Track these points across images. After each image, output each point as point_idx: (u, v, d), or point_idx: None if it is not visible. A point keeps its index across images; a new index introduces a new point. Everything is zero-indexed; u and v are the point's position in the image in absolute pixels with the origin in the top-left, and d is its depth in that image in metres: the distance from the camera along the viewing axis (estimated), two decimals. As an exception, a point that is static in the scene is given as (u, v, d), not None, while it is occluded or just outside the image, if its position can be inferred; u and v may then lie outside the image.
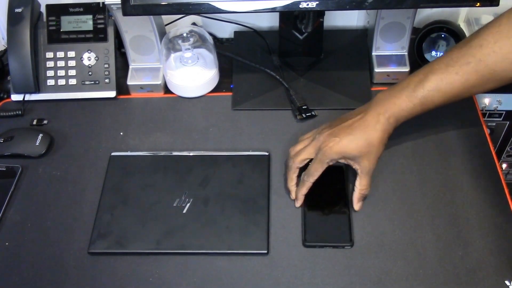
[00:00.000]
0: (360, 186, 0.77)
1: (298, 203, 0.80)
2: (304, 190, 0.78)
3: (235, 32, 1.08)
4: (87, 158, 0.89)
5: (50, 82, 0.97)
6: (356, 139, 0.74)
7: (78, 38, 0.96)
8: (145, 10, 0.82)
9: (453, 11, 1.04)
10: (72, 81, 0.97)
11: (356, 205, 0.78)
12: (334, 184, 0.82)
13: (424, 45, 0.97)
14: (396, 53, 0.97)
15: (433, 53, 0.97)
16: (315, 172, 0.76)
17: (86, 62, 0.97)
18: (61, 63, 0.97)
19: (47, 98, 0.97)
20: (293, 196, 0.80)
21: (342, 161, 0.76)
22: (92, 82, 0.96)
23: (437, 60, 0.75)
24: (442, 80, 0.73)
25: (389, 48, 0.97)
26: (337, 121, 0.78)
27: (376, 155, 0.76)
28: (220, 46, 1.08)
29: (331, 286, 0.71)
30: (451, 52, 0.74)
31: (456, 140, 0.88)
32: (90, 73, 0.96)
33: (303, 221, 0.78)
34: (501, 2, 0.80)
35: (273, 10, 0.81)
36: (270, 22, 1.08)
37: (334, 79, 0.98)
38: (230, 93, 0.97)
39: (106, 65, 0.96)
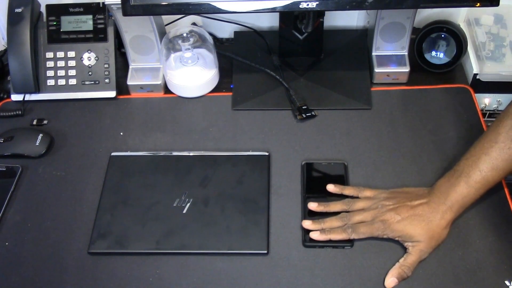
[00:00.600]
0: (404, 263, 0.72)
1: (318, 236, 0.75)
2: (337, 237, 0.74)
3: (235, 32, 1.08)
4: (87, 158, 0.89)
5: (50, 82, 0.97)
6: (419, 225, 0.72)
7: (78, 38, 0.96)
8: (145, 10, 0.82)
9: (453, 11, 1.04)
10: (72, 81, 0.97)
11: (388, 281, 0.71)
12: (335, 182, 0.82)
13: (424, 45, 0.97)
14: (396, 53, 0.97)
15: (433, 53, 0.97)
16: (362, 234, 0.74)
17: (86, 62, 0.97)
18: (61, 63, 0.97)
19: (47, 98, 0.97)
20: (323, 235, 0.75)
21: (396, 239, 0.74)
22: (92, 82, 0.96)
23: (484, 138, 0.74)
24: (497, 159, 0.72)
25: (389, 48, 0.97)
26: (401, 194, 0.77)
27: (436, 242, 0.73)
28: (220, 46, 1.08)
29: (331, 286, 0.71)
30: (497, 127, 0.73)
31: (456, 140, 0.88)
32: (90, 73, 0.96)
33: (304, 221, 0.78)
34: (501, 2, 0.80)
35: (273, 10, 0.81)
36: (270, 22, 1.08)
37: (334, 79, 0.98)
38: (230, 93, 0.97)
39: (106, 65, 0.96)
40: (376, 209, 0.76)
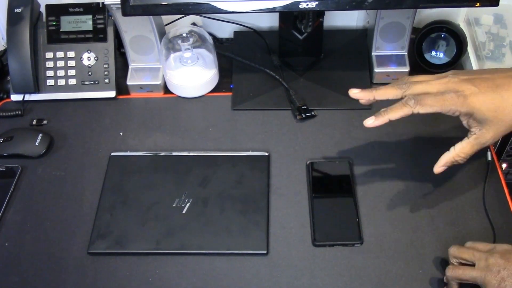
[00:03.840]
0: (460, 152, 0.65)
1: (374, 121, 0.65)
2: (397, 114, 0.64)
3: (235, 32, 1.08)
4: (87, 158, 0.88)
5: (50, 82, 0.96)
6: (499, 99, 0.60)
7: (78, 38, 0.96)
8: (144, 10, 0.82)
9: (453, 11, 1.04)
10: (72, 81, 0.96)
11: (439, 168, 0.66)
12: (341, 181, 0.82)
13: (424, 45, 0.97)
14: (396, 53, 0.97)
15: (433, 53, 0.97)
16: (429, 107, 0.62)
17: (85, 62, 0.97)
18: (60, 63, 0.97)
19: (47, 98, 0.97)
20: (380, 116, 0.64)
21: (463, 119, 0.63)
22: (92, 82, 0.96)
23: None
24: None
25: (389, 48, 0.97)
26: (477, 71, 0.64)
27: (508, 129, 0.62)
28: (220, 46, 1.08)
29: (331, 286, 0.71)
30: None
31: (456, 140, 0.87)
32: (89, 73, 0.96)
33: (312, 220, 0.78)
34: (501, 2, 0.80)
35: (273, 10, 0.81)
36: (270, 22, 1.08)
37: (334, 79, 0.98)
38: (230, 93, 0.97)
39: (106, 65, 0.96)
40: (446, 78, 0.63)
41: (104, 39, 0.96)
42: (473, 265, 0.65)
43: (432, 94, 0.63)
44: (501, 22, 1.01)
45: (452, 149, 0.66)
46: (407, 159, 0.85)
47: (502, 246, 0.64)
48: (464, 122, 0.65)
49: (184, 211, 0.79)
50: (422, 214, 0.78)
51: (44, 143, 0.89)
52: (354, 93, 0.66)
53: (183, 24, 1.05)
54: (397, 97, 0.63)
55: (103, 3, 0.95)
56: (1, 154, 0.89)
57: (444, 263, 0.72)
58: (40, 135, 0.90)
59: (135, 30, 0.93)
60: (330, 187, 0.82)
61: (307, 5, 0.80)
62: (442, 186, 0.81)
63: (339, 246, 0.75)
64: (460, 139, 0.87)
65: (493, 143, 0.65)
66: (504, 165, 1.11)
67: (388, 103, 0.67)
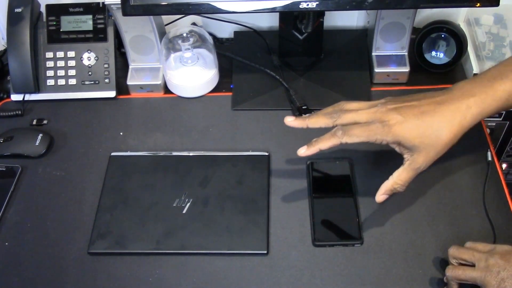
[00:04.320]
0: (397, 179, 0.66)
1: (306, 151, 0.67)
2: (326, 144, 0.66)
3: (235, 32, 1.08)
4: (87, 158, 0.88)
5: (50, 82, 0.97)
6: (424, 126, 0.62)
7: (78, 38, 0.96)
8: (145, 10, 0.82)
9: (453, 11, 1.04)
10: (72, 81, 0.96)
11: (380, 196, 0.68)
12: (341, 181, 0.82)
13: (424, 45, 0.97)
14: (396, 53, 0.97)
15: (433, 53, 0.97)
16: (355, 137, 0.64)
17: (86, 62, 0.97)
18: (61, 63, 0.97)
19: (47, 98, 0.97)
20: (311, 146, 0.67)
21: (394, 146, 0.65)
22: (92, 82, 0.96)
23: None
24: None
25: (389, 48, 0.97)
26: (407, 98, 0.65)
27: (438, 153, 0.64)
28: (220, 46, 1.08)
29: (331, 286, 0.71)
30: None
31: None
32: (90, 73, 0.96)
33: (312, 220, 0.78)
34: (501, 2, 0.80)
35: (273, 10, 0.81)
36: (270, 22, 1.08)
37: (334, 79, 0.98)
38: (230, 93, 0.97)
39: (106, 65, 0.96)
40: (374, 107, 0.65)
41: (104, 39, 0.96)
42: (473, 265, 0.65)
43: (359, 125, 0.64)
44: (501, 22, 1.01)
45: (390, 177, 0.67)
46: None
47: (502, 247, 0.64)
48: (396, 149, 0.66)
49: (184, 211, 0.79)
50: (422, 214, 0.78)
51: (44, 143, 0.89)
52: (289, 121, 0.68)
53: (183, 24, 1.05)
54: (328, 126, 0.65)
55: (103, 3, 0.95)
56: (1, 154, 0.89)
57: (444, 263, 0.72)
58: (40, 135, 0.90)
59: (135, 30, 0.93)
60: (330, 187, 0.82)
61: (307, 5, 0.80)
62: (442, 186, 0.81)
63: (339, 246, 0.75)
64: (460, 140, 0.87)
65: (427, 167, 0.66)
66: (504, 165, 1.11)
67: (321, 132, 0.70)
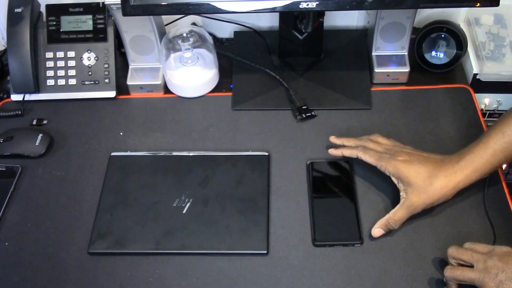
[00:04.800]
0: (392, 215, 0.73)
1: (332, 151, 0.81)
2: (347, 153, 0.79)
3: (235, 32, 1.08)
4: (87, 158, 0.88)
5: (50, 82, 0.96)
6: (423, 170, 0.72)
7: (78, 38, 0.96)
8: (145, 10, 0.82)
9: (453, 11, 1.04)
10: (72, 81, 0.96)
11: (375, 230, 0.74)
12: (341, 181, 0.82)
13: (424, 45, 0.96)
14: (396, 53, 0.97)
15: (433, 53, 0.97)
16: (368, 157, 0.76)
17: (86, 62, 0.97)
18: (61, 63, 0.97)
19: (47, 98, 0.97)
20: (336, 150, 0.81)
21: (394, 179, 0.75)
22: (92, 82, 0.96)
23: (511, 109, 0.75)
24: None
25: (389, 48, 0.97)
26: (419, 151, 0.77)
27: (430, 198, 0.72)
28: (220, 46, 1.08)
29: (331, 286, 0.71)
30: None
31: (456, 140, 0.88)
32: (90, 73, 0.96)
33: (312, 220, 0.78)
34: (501, 2, 0.80)
35: (273, 10, 0.81)
36: (270, 22, 1.08)
37: (334, 79, 0.98)
38: (230, 93, 0.97)
39: (106, 65, 0.96)
40: (392, 146, 0.77)
41: (104, 39, 0.96)
42: (471, 266, 0.65)
43: (375, 151, 0.77)
44: (501, 22, 1.01)
45: (387, 214, 0.74)
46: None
47: (501, 249, 0.65)
48: (395, 182, 0.75)
49: (184, 211, 0.79)
50: (422, 214, 0.78)
51: (44, 143, 0.89)
52: (332, 138, 0.84)
53: (183, 24, 1.05)
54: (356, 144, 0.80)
55: (103, 3, 0.95)
56: (1, 154, 0.89)
57: (443, 263, 0.72)
58: (40, 135, 0.90)
59: (135, 30, 0.93)
60: (330, 187, 0.82)
61: (307, 5, 0.80)
62: (442, 186, 0.81)
63: (339, 246, 0.75)
64: (459, 138, 0.87)
65: (421, 210, 0.73)
66: (504, 165, 1.11)
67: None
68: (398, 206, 0.74)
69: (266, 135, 0.90)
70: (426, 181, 0.72)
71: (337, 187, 0.82)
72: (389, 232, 0.75)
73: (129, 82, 0.97)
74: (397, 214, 0.73)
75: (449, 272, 0.67)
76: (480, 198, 0.79)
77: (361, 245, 0.75)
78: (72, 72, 0.97)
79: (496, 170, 0.74)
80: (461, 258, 0.66)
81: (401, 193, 0.74)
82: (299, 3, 0.80)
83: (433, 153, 0.76)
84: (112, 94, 0.96)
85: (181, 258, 0.75)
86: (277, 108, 0.94)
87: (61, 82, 0.97)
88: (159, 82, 0.97)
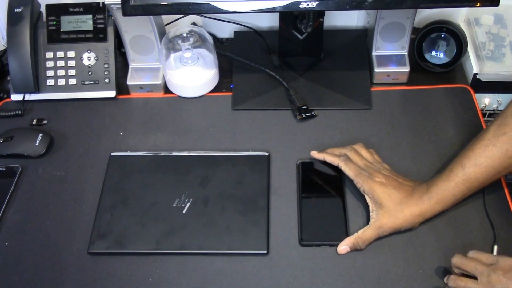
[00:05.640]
0: (361, 235, 0.74)
1: (315, 154, 0.83)
2: (329, 159, 0.82)
3: (235, 32, 1.08)
4: (87, 158, 0.88)
5: (50, 82, 0.96)
6: (395, 195, 0.74)
7: (78, 38, 0.96)
8: (145, 10, 0.82)
9: (453, 11, 1.04)
10: (72, 81, 0.96)
11: (341, 248, 0.74)
12: (330, 182, 0.82)
13: (424, 45, 0.96)
14: (396, 53, 0.97)
15: (433, 53, 0.97)
16: (348, 169, 0.78)
17: (86, 62, 0.97)
18: (61, 63, 0.97)
19: (47, 98, 0.97)
20: (320, 153, 0.83)
21: (367, 197, 0.76)
22: (92, 82, 0.96)
23: (476, 136, 0.76)
24: (480, 155, 0.73)
25: (389, 48, 0.97)
26: (399, 175, 0.79)
27: (398, 224, 0.74)
28: (220, 46, 1.08)
29: (331, 286, 0.71)
30: (489, 125, 0.75)
31: (456, 140, 0.88)
32: (90, 73, 0.96)
33: (299, 220, 0.78)
34: (501, 2, 0.80)
35: (273, 10, 0.81)
36: (270, 22, 1.08)
37: (334, 79, 0.98)
38: (230, 93, 0.97)
39: (106, 65, 0.96)
40: (371, 163, 0.80)
41: (104, 39, 0.96)
42: (475, 277, 0.65)
43: (356, 165, 0.79)
44: (501, 22, 1.01)
45: (356, 233, 0.75)
46: (407, 159, 0.85)
47: (505, 261, 0.65)
48: (368, 202, 0.76)
49: (184, 211, 0.79)
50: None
51: (44, 143, 0.89)
52: (312, 153, 0.85)
53: (183, 24, 1.05)
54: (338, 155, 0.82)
55: (103, 3, 0.95)
56: (1, 154, 0.89)
57: (443, 263, 0.72)
58: (40, 135, 0.90)
59: (135, 30, 0.93)
60: (319, 187, 0.82)
61: (307, 5, 0.80)
62: (442, 186, 0.81)
63: (326, 246, 0.75)
64: (459, 138, 0.87)
65: (387, 233, 0.74)
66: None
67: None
68: (367, 226, 0.75)
69: (266, 135, 0.90)
70: (397, 206, 0.74)
71: (326, 187, 0.82)
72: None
73: (129, 82, 0.97)
74: (366, 234, 0.74)
75: (452, 283, 0.67)
76: (480, 198, 0.79)
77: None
78: (72, 72, 0.97)
79: (462, 200, 0.76)
80: (465, 269, 0.67)
81: (371, 214, 0.75)
82: (299, 3, 0.80)
83: (407, 179, 0.79)
84: (112, 94, 0.96)
85: (181, 258, 0.75)
86: (277, 108, 0.94)
87: (61, 82, 0.97)
88: (159, 82, 0.97)
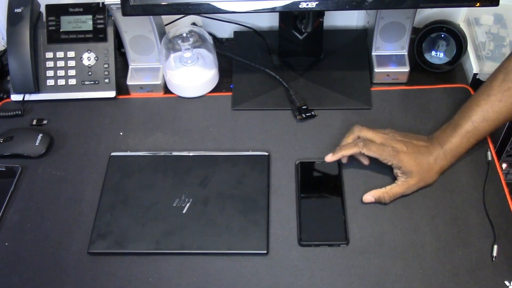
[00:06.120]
0: (388, 190, 0.78)
1: (331, 157, 0.81)
2: (349, 151, 0.80)
3: (235, 32, 1.08)
4: (87, 158, 0.88)
5: (50, 82, 0.97)
6: (420, 163, 0.78)
7: (78, 38, 0.96)
8: (144, 10, 0.82)
9: (453, 11, 1.04)
10: (72, 81, 0.97)
11: (367, 197, 0.79)
12: (329, 182, 0.82)
13: (424, 45, 0.96)
14: (396, 53, 0.97)
15: (433, 53, 0.97)
16: (372, 152, 0.79)
17: (85, 62, 0.97)
18: (60, 63, 0.97)
19: (47, 98, 0.97)
20: (336, 153, 0.81)
21: (395, 169, 0.79)
22: (92, 82, 0.96)
23: (478, 92, 0.81)
24: (488, 111, 0.78)
25: (389, 48, 0.97)
26: (407, 135, 0.82)
27: (424, 183, 0.79)
28: (220, 46, 1.08)
29: (331, 286, 0.71)
30: (490, 81, 0.79)
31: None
32: (89, 73, 0.96)
33: (299, 220, 0.78)
34: (501, 2, 0.80)
35: (273, 10, 0.81)
36: (270, 22, 1.08)
37: (334, 79, 0.98)
38: (230, 93, 0.97)
39: (106, 65, 0.96)
40: (387, 135, 0.81)
41: (104, 39, 0.96)
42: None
43: (376, 144, 0.80)
44: (501, 22, 1.01)
45: (383, 188, 0.79)
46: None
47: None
48: (394, 172, 0.80)
49: (184, 211, 0.79)
50: (422, 214, 0.78)
51: (44, 143, 0.89)
52: (329, 159, 0.82)
53: (183, 24, 1.05)
54: (356, 146, 0.81)
55: (103, 3, 0.95)
56: (1, 154, 0.89)
57: (443, 263, 0.72)
58: (40, 135, 0.90)
59: (135, 30, 0.93)
60: (318, 187, 0.82)
61: (307, 5, 0.80)
62: (442, 186, 0.81)
63: (325, 247, 0.75)
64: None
65: (413, 191, 0.79)
66: (504, 165, 1.11)
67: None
68: (394, 184, 0.79)
69: (266, 135, 0.90)
70: (424, 169, 0.78)
71: (325, 187, 0.82)
72: (388, 233, 0.76)
73: (129, 82, 0.97)
74: (393, 190, 0.78)
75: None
76: (480, 198, 0.79)
77: (346, 245, 0.75)
78: (72, 72, 0.97)
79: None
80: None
81: (399, 178, 0.79)
82: (299, 3, 0.80)
83: (418, 138, 0.82)
84: (112, 94, 0.96)
85: (181, 258, 0.75)
86: (277, 108, 0.94)
87: (61, 82, 0.97)
88: (159, 82, 0.97)
